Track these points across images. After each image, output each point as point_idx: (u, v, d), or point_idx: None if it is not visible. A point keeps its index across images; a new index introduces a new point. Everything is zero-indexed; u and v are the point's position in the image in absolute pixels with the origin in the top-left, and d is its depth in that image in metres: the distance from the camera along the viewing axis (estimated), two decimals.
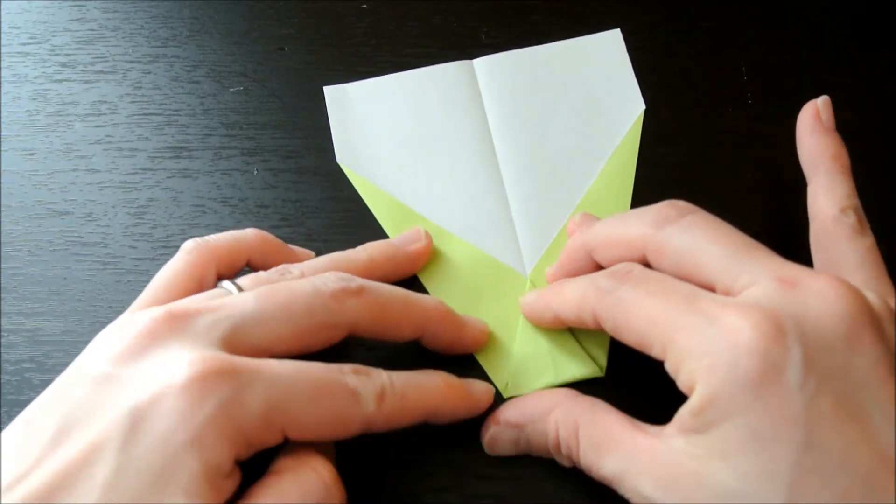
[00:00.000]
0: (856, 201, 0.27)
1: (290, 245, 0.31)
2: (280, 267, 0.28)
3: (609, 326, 0.24)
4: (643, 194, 0.33)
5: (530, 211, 0.33)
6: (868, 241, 0.26)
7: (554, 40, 0.37)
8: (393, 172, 0.34)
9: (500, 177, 0.34)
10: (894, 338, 0.22)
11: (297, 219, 0.33)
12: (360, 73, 0.36)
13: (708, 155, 0.34)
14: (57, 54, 0.38)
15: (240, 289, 0.26)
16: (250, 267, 0.30)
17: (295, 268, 0.28)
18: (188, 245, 0.28)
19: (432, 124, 0.35)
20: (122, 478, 0.21)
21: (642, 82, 0.36)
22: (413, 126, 0.35)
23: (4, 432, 0.23)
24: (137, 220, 0.34)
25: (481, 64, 0.36)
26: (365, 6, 0.38)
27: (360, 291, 0.26)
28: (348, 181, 0.34)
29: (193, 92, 0.36)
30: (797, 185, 0.33)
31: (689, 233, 0.24)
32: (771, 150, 0.34)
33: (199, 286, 0.28)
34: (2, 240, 0.33)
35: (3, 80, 0.37)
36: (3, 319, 0.32)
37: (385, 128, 0.35)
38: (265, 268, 0.30)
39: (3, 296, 0.32)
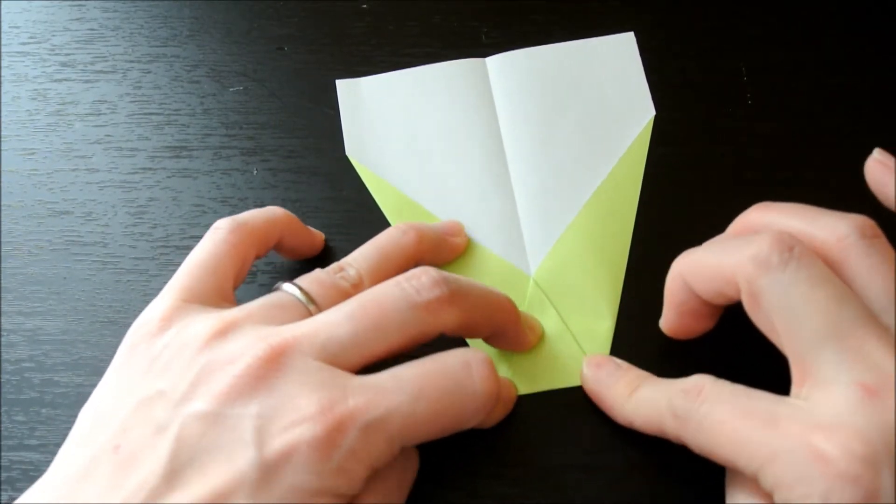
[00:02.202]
0: None
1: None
2: (336, 266, 0.28)
3: (695, 450, 0.24)
4: (642, 194, 0.33)
5: (537, 211, 0.33)
6: None
7: (554, 40, 0.37)
8: (402, 167, 0.34)
9: (508, 175, 0.34)
10: None
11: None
12: (359, 73, 0.36)
13: (708, 155, 0.34)
14: (57, 54, 0.38)
15: (302, 290, 0.26)
16: (277, 248, 0.30)
17: (351, 268, 0.28)
18: (226, 226, 0.28)
19: (443, 121, 0.35)
20: None
21: None
22: (423, 122, 0.35)
23: (82, 454, 0.23)
24: (137, 220, 0.34)
25: (493, 62, 0.36)
26: (365, 6, 0.38)
27: (452, 299, 0.25)
28: (348, 181, 0.34)
29: (193, 92, 0.36)
30: (796, 185, 0.33)
31: (790, 291, 0.23)
32: (771, 150, 0.34)
33: (243, 268, 0.28)
34: (2, 240, 0.33)
35: (3, 79, 0.37)
36: (3, 319, 0.32)
37: (395, 123, 0.35)
38: (292, 249, 0.31)
39: (3, 295, 0.32)
